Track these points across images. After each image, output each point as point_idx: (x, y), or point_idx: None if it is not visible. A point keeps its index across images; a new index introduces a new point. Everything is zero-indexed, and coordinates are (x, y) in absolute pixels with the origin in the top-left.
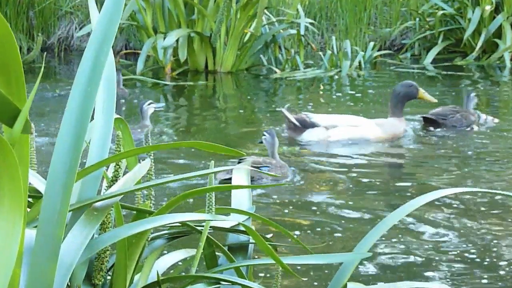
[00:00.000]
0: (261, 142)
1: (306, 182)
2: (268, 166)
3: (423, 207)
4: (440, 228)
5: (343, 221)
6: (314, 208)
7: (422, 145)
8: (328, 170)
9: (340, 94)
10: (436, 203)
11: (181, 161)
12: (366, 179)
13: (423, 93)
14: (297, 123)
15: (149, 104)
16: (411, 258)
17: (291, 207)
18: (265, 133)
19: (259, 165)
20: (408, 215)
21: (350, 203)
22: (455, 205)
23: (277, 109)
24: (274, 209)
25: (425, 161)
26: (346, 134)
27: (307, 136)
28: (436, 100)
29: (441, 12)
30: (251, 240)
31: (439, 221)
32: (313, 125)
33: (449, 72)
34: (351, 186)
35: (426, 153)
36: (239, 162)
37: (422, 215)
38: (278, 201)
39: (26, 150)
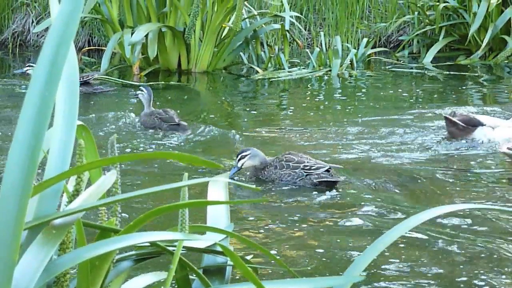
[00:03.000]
0: (137, 96)
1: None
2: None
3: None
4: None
5: (336, 239)
6: (302, 224)
7: None
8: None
9: (329, 96)
10: None
11: (152, 171)
12: None
13: None
14: (463, 124)
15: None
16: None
17: (275, 223)
18: (141, 88)
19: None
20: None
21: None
22: None
23: (440, 113)
24: (255, 225)
25: None
26: (509, 133)
27: (478, 134)
28: None
29: (443, 5)
30: (229, 262)
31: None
32: (480, 124)
33: (451, 72)
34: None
35: None
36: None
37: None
38: (259, 215)
39: None
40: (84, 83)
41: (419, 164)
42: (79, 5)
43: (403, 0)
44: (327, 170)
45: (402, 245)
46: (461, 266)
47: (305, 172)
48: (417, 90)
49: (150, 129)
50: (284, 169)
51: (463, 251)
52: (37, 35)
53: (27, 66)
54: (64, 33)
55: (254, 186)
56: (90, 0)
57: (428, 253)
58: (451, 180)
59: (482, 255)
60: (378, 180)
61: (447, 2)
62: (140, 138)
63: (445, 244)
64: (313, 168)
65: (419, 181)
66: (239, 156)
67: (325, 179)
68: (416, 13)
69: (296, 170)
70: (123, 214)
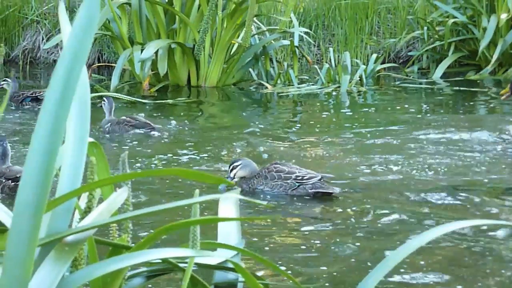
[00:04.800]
0: (101, 106)
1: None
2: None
3: None
4: None
5: (347, 255)
6: (312, 239)
7: None
8: None
9: (338, 112)
10: None
11: (163, 188)
12: None
13: None
14: None
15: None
16: None
17: (285, 238)
18: (104, 98)
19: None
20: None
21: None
22: None
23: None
24: (266, 241)
25: None
26: None
27: None
28: None
29: (452, 20)
30: (241, 279)
31: None
32: None
33: (461, 88)
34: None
35: None
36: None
37: None
38: (270, 231)
39: None
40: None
41: (430, 178)
42: (93, 25)
43: (412, 16)
44: (320, 179)
45: (412, 262)
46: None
47: (297, 182)
48: (427, 105)
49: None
50: (275, 180)
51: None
52: (47, 52)
53: (2, 81)
54: (77, 53)
55: (266, 203)
56: (100, 17)
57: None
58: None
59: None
60: (387, 196)
61: (457, 17)
62: (150, 153)
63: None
64: (305, 178)
65: (430, 197)
66: (231, 167)
67: (321, 190)
68: (425, 28)
69: (288, 181)
70: (134, 231)
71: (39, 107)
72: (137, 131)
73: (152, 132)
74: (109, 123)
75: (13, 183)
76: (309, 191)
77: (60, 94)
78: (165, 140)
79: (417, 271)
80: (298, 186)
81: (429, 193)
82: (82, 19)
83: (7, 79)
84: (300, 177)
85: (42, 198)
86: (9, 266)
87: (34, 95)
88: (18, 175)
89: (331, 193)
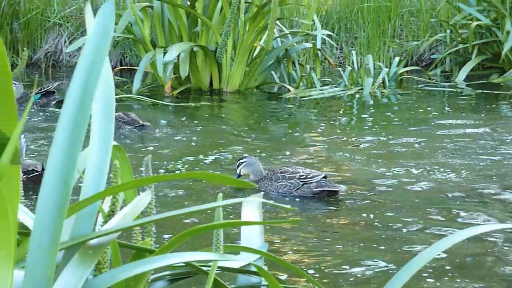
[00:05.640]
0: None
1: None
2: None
3: None
4: None
5: (372, 258)
6: (336, 243)
7: None
8: None
9: (361, 115)
10: None
11: (186, 191)
12: None
13: None
14: None
15: None
16: None
17: (308, 241)
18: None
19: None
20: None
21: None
22: None
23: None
24: (289, 244)
25: None
26: None
27: None
28: None
29: (476, 23)
30: (264, 282)
31: None
32: None
33: (484, 91)
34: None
35: None
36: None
37: None
38: (292, 234)
39: (16, 183)
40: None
41: (454, 183)
42: (109, 31)
43: (435, 19)
44: (324, 177)
45: (438, 266)
46: None
47: (301, 181)
48: (450, 108)
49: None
50: (279, 181)
51: None
52: (70, 55)
53: None
54: (95, 57)
55: (289, 207)
56: (122, 21)
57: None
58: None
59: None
60: (409, 198)
61: (480, 20)
62: (173, 156)
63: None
64: (309, 176)
65: (455, 200)
66: (238, 163)
67: (326, 188)
68: (448, 31)
69: (292, 181)
70: (157, 233)
71: (53, 102)
72: (128, 127)
73: (142, 130)
74: None
75: (25, 176)
76: (314, 189)
77: (79, 97)
78: (188, 142)
79: (443, 275)
80: (302, 185)
81: (452, 196)
82: (99, 25)
83: (14, 82)
84: (303, 176)
85: (64, 201)
86: (32, 269)
87: (42, 90)
88: (30, 169)
89: (337, 191)
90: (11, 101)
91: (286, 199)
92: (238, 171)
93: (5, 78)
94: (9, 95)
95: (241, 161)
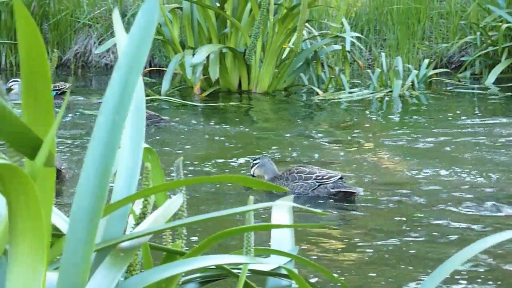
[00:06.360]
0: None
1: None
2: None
3: None
4: None
5: (401, 262)
6: (367, 247)
7: None
8: None
9: (390, 117)
10: None
11: (216, 192)
12: None
13: None
14: None
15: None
16: None
17: (339, 244)
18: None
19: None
20: None
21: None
22: None
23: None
24: (319, 247)
25: None
26: None
27: None
28: None
29: (506, 25)
30: (294, 285)
31: None
32: None
33: None
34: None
35: None
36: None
37: None
38: (322, 237)
39: (50, 185)
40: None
41: (485, 185)
42: (150, 32)
43: (465, 21)
44: (340, 178)
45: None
46: None
47: (317, 182)
48: (479, 111)
49: None
50: (296, 181)
51: None
52: (99, 56)
53: (11, 81)
54: (134, 59)
55: (320, 211)
56: None
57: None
58: None
59: None
60: (439, 202)
61: (510, 22)
62: (202, 157)
63: None
64: (325, 177)
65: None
66: (251, 164)
67: (342, 189)
68: (478, 33)
69: (309, 181)
70: (187, 235)
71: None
72: (148, 122)
73: (162, 123)
74: None
75: None
76: (331, 190)
77: (117, 100)
78: (217, 144)
79: (474, 279)
80: (319, 185)
81: (482, 199)
82: (140, 26)
83: (17, 79)
84: (320, 177)
85: (99, 204)
86: (66, 271)
87: (56, 89)
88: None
89: (354, 192)
90: (49, 103)
91: (320, 201)
92: (252, 172)
93: (45, 80)
94: (47, 97)
95: (254, 162)
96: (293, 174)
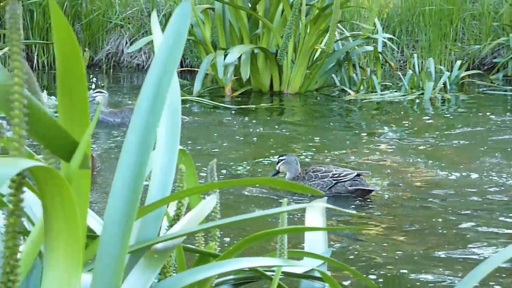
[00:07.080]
0: (94, 98)
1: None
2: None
3: None
4: None
5: (434, 266)
6: (398, 249)
7: None
8: None
9: (422, 119)
10: None
11: (250, 193)
12: None
13: None
14: None
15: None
16: None
17: (371, 247)
18: (101, 90)
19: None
20: None
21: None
22: None
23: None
24: (351, 249)
25: None
26: None
27: None
28: None
29: None
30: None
31: None
32: None
33: None
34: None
35: None
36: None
37: None
38: (355, 240)
39: (85, 188)
40: None
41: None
42: (183, 34)
43: (498, 22)
44: (357, 175)
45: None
46: None
47: (334, 180)
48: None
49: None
50: (312, 180)
51: None
52: (131, 56)
53: (96, 92)
54: (167, 61)
55: (354, 212)
56: None
57: None
58: None
59: None
60: (469, 205)
61: None
62: (234, 159)
63: None
64: (342, 175)
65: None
66: (277, 160)
67: (361, 187)
68: (510, 35)
69: (325, 179)
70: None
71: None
72: None
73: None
74: (118, 113)
75: None
76: (349, 188)
77: (151, 102)
78: (249, 145)
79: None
80: (335, 183)
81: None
82: (173, 28)
83: (102, 90)
84: (336, 175)
85: (133, 206)
86: (100, 273)
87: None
88: None
89: (372, 190)
90: (84, 104)
91: (353, 206)
92: (277, 168)
93: (80, 80)
94: (83, 97)
95: (280, 158)
96: (309, 173)
